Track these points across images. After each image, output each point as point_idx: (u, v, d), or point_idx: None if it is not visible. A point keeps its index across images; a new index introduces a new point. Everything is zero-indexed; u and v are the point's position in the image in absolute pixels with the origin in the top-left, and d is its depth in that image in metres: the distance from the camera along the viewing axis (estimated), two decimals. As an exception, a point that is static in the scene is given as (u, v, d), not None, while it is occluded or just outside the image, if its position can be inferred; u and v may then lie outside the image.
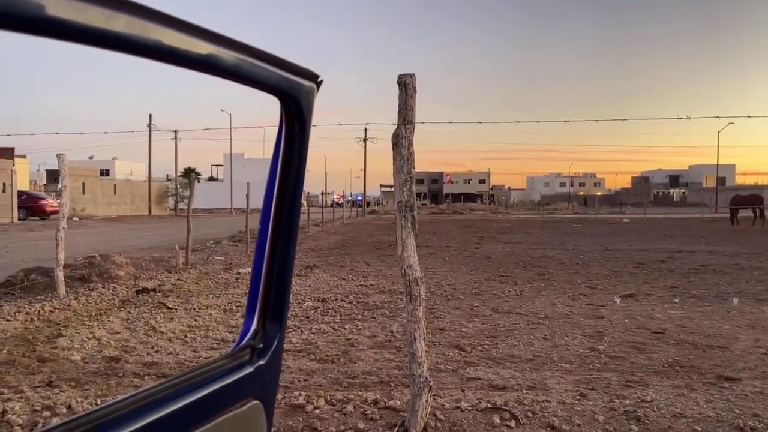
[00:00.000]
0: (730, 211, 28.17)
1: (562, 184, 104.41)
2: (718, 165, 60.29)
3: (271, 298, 1.08)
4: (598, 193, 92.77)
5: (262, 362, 1.03)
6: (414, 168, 3.21)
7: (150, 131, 47.89)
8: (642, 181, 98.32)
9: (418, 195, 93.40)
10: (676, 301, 7.44)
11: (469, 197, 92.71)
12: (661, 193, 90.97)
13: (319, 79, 1.02)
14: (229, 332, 5.91)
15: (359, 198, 61.22)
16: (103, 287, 8.12)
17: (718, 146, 59.65)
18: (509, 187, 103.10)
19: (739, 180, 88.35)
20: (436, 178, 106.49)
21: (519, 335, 5.78)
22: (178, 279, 9.29)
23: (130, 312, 6.74)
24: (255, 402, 1.02)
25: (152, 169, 48.72)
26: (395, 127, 3.22)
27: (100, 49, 0.62)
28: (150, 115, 47.97)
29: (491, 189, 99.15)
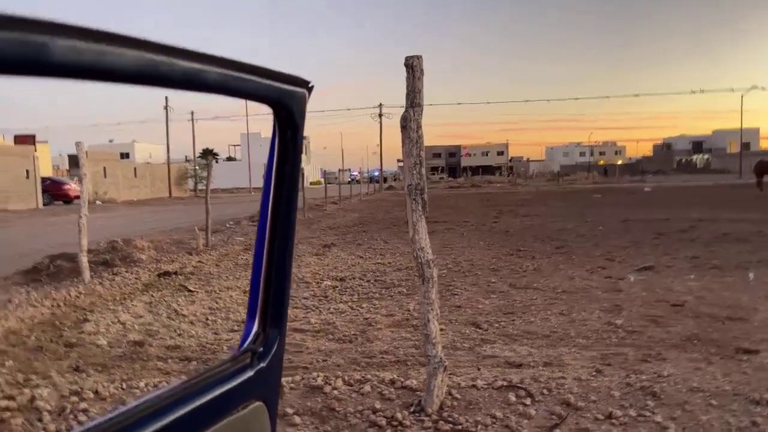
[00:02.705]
0: (756, 176, 27.58)
1: (582, 154, 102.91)
2: (741, 129, 58.86)
3: (270, 302, 1.10)
4: (619, 162, 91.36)
5: (263, 365, 1.06)
6: (423, 151, 3.20)
7: (167, 113, 48.21)
8: (664, 148, 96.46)
9: (436, 169, 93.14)
10: (692, 276, 7.36)
11: (488, 170, 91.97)
12: (683, 160, 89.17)
13: (309, 85, 1.03)
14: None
15: (377, 174, 61.15)
16: (126, 271, 8.30)
17: (741, 111, 58.15)
18: (528, 159, 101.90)
19: (765, 144, 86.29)
20: (454, 152, 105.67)
21: (536, 311, 5.79)
22: (199, 261, 9.44)
23: (152, 295, 6.89)
24: (258, 403, 1.05)
25: (171, 151, 49.17)
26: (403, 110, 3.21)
27: (81, 80, 0.64)
28: (166, 98, 48.23)
29: (510, 161, 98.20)
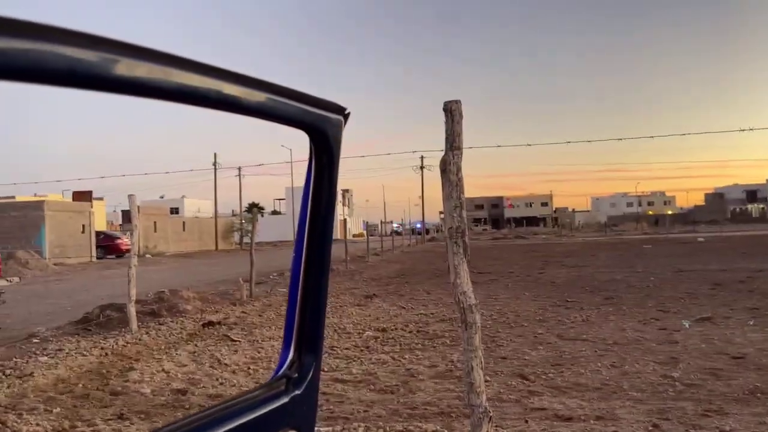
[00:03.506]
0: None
1: (629, 204, 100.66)
2: (800, 177, 56.48)
3: (306, 328, 1.09)
4: (669, 212, 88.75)
5: (298, 392, 1.04)
6: (463, 193, 3.19)
7: (215, 169, 49.99)
8: (716, 198, 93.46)
9: (479, 220, 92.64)
10: (751, 323, 6.97)
11: (532, 221, 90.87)
12: (738, 209, 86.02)
13: (346, 112, 1.05)
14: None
15: (419, 226, 61.18)
16: (172, 321, 8.43)
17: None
18: (573, 209, 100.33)
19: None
20: (497, 203, 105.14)
21: (586, 363, 5.55)
22: (242, 311, 9.53)
23: (196, 345, 6.95)
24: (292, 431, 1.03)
25: (218, 206, 50.68)
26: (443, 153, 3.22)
27: (127, 95, 0.67)
28: (215, 154, 50.17)
29: (554, 211, 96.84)
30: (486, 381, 4.83)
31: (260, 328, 8.09)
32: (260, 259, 17.86)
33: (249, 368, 5.83)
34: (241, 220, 51.45)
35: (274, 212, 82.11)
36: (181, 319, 8.69)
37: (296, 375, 1.06)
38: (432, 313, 9.03)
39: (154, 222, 39.78)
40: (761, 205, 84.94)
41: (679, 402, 4.24)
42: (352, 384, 5.09)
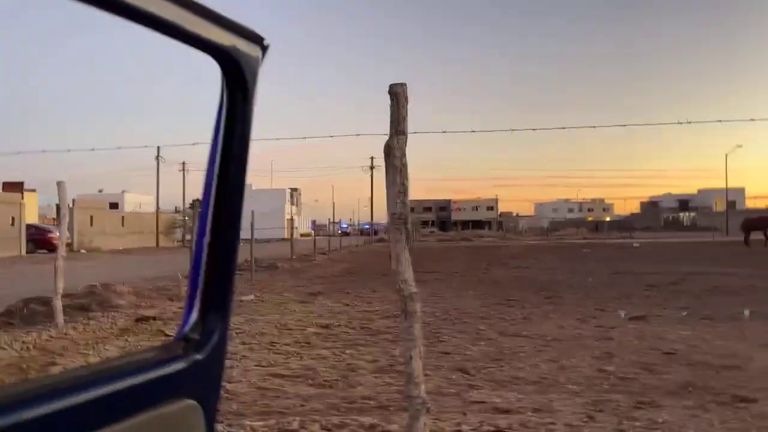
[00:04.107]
0: (743, 233, 27.84)
1: (571, 210, 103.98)
2: (727, 188, 59.86)
3: (213, 288, 0.97)
4: (607, 219, 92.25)
5: (199, 357, 0.92)
6: (407, 179, 3.12)
7: (158, 164, 48.40)
8: (651, 206, 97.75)
9: (426, 223, 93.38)
10: (684, 313, 7.24)
11: (478, 224, 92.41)
12: (670, 217, 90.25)
13: (265, 42, 0.93)
14: (229, 359, 5.76)
15: (368, 226, 61.12)
16: (103, 316, 8.02)
17: (726, 170, 59.35)
18: (517, 214, 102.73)
19: (750, 204, 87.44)
20: (444, 206, 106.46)
21: (525, 358, 5.60)
22: (179, 307, 9.17)
23: (127, 340, 6.62)
24: (190, 402, 0.90)
25: (163, 202, 49.06)
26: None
27: None
28: (158, 148, 48.54)
29: (499, 216, 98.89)
30: (427, 375, 4.78)
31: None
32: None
33: (183, 363, 5.58)
34: (184, 216, 49.96)
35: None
36: (112, 313, 8.27)
37: (198, 338, 0.94)
38: (377, 310, 8.95)
39: (91, 216, 38.06)
40: (692, 214, 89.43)
41: (613, 395, 4.31)
42: (290, 379, 4.94)
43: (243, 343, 6.53)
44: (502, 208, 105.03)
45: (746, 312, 7.39)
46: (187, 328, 0.96)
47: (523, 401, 4.16)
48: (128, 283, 11.37)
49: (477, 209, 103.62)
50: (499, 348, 6.09)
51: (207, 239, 0.95)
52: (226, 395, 4.23)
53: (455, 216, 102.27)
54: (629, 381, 4.69)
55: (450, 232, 72.31)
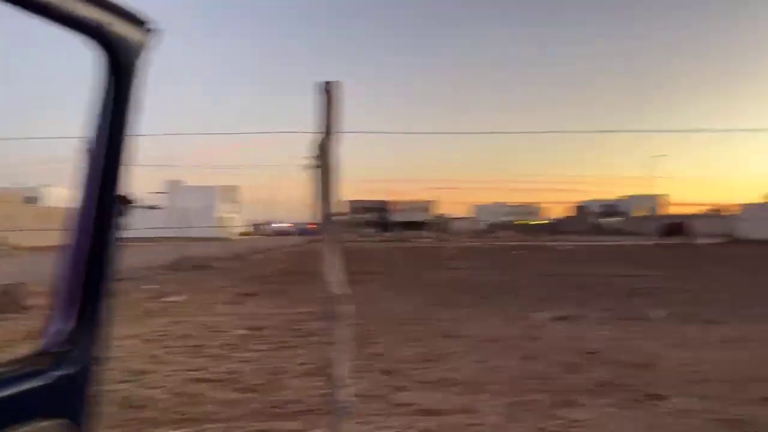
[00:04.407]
0: (661, 237, 29.50)
1: (506, 213, 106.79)
2: (650, 195, 63.16)
3: (86, 295, 0.88)
4: (540, 222, 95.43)
5: (68, 371, 0.83)
6: (339, 179, 3.06)
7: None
8: (580, 210, 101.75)
9: (366, 223, 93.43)
10: (603, 316, 7.55)
11: (417, 225, 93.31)
12: (598, 221, 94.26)
13: (152, 27, 0.86)
14: (148, 363, 5.51)
15: (309, 226, 60.49)
16: (13, 318, 7.51)
17: (650, 177, 62.62)
18: (455, 216, 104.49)
19: (671, 210, 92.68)
20: (384, 207, 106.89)
21: (455, 359, 5.66)
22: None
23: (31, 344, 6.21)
24: (61, 421, 0.82)
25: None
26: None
27: None
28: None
29: (438, 217, 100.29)
30: (356, 378, 4.75)
31: (117, 325, 7.43)
32: (132, 255, 16.66)
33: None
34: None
35: (151, 207, 77.33)
36: (23, 315, 7.76)
37: (68, 350, 0.85)
38: (310, 312, 8.82)
39: (5, 211, 35.73)
40: (617, 219, 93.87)
41: (536, 394, 4.42)
42: (213, 383, 4.77)
43: (165, 347, 6.27)
44: (442, 209, 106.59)
45: (659, 313, 7.80)
46: (53, 340, 0.87)
47: (450, 402, 4.19)
48: (44, 283, 10.72)
49: (416, 210, 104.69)
50: (430, 349, 6.13)
51: (81, 240, 0.87)
52: (141, 402, 4.04)
53: (395, 217, 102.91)
54: (552, 380, 4.83)
55: (389, 233, 72.64)
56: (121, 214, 0.91)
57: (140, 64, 0.84)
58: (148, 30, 0.85)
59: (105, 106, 0.84)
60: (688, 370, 5.12)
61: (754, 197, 56.38)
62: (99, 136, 0.85)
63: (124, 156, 0.88)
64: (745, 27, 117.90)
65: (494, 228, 76.75)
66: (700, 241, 33.61)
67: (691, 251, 26.39)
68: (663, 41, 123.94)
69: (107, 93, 0.84)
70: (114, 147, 0.86)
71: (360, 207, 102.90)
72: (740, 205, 49.27)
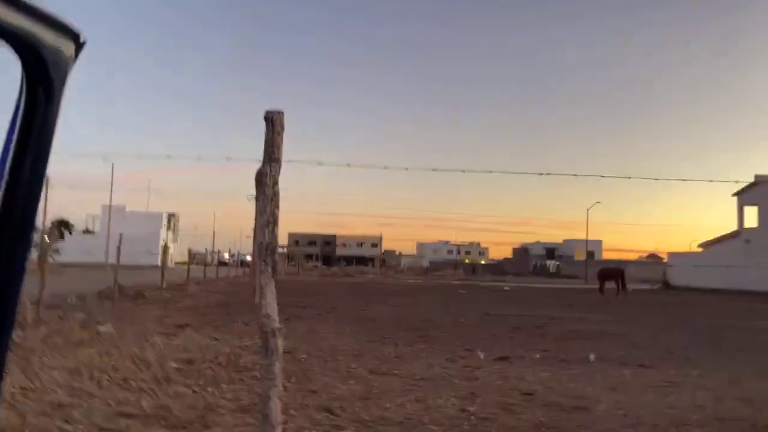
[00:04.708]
0: (599, 282, 30.52)
1: (450, 252, 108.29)
2: (587, 240, 65.63)
3: None
4: (482, 262, 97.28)
5: None
6: (278, 209, 3.02)
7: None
8: (522, 252, 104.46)
9: (310, 256, 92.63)
10: (538, 356, 7.70)
11: (361, 260, 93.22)
12: (538, 263, 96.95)
13: (81, 39, 0.81)
14: (70, 396, 5.17)
15: (248, 257, 59.31)
16: None
17: (587, 224, 65.44)
18: (400, 252, 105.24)
19: (606, 255, 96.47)
20: (329, 241, 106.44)
21: (393, 397, 5.58)
22: (22, 335, 8.18)
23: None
24: None
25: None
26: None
27: None
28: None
29: (383, 253, 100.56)
30: (290, 415, 4.60)
31: (41, 355, 6.97)
32: (63, 281, 15.83)
33: (14, 398, 4.91)
34: (42, 235, 45.44)
35: (86, 231, 74.11)
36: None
37: None
38: (246, 346, 8.55)
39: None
40: (557, 262, 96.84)
41: (473, 435, 4.40)
42: (140, 419, 4.51)
43: (91, 378, 5.92)
44: (385, 245, 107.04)
45: (592, 356, 8.01)
46: None
47: (386, 443, 4.11)
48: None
49: (361, 245, 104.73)
50: (368, 387, 6.03)
51: None
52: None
53: (340, 251, 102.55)
54: (489, 421, 4.82)
55: (334, 267, 72.18)
56: (30, 236, 0.84)
57: (65, 77, 0.80)
58: (79, 43, 0.81)
59: (24, 120, 0.79)
60: (622, 414, 5.23)
61: (690, 245, 59.53)
62: (17, 149, 0.79)
63: (42, 171, 0.82)
64: (677, 73, 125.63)
65: (439, 266, 77.51)
66: (634, 286, 35.00)
67: (626, 296, 27.38)
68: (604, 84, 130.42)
69: (28, 105, 0.79)
70: (31, 162, 0.80)
71: (304, 240, 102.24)
72: (668, 253, 51.80)
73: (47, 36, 0.76)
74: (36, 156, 0.80)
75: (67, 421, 4.34)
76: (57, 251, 13.30)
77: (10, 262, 0.81)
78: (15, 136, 0.79)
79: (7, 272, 0.81)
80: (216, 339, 9.15)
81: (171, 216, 71.02)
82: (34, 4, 0.73)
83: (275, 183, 2.99)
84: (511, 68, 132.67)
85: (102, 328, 9.60)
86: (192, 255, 31.07)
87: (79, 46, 0.81)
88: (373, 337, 10.13)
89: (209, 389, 5.64)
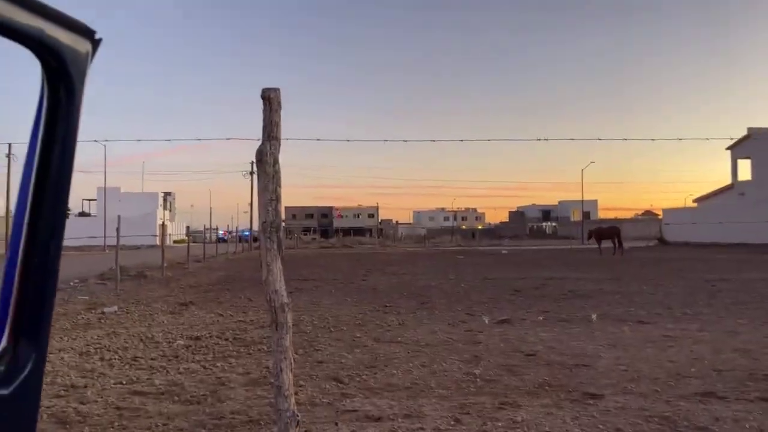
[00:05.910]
0: (596, 241, 30.78)
1: (446, 219, 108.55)
2: (582, 201, 65.80)
3: (25, 311, 0.85)
4: (479, 227, 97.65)
5: (4, 392, 0.80)
6: (280, 186, 3.05)
7: (9, 162, 43.50)
8: (518, 215, 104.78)
9: (308, 229, 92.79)
10: (541, 318, 7.83)
11: (359, 231, 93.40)
12: (535, 226, 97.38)
13: (96, 37, 0.83)
14: (84, 377, 5.27)
15: (247, 234, 59.37)
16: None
17: (582, 184, 65.45)
18: (397, 222, 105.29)
19: (602, 214, 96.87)
20: (326, 213, 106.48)
21: (398, 364, 5.70)
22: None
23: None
24: None
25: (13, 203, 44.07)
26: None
27: None
28: (9, 145, 43.66)
29: (380, 223, 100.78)
30: (300, 386, 4.72)
31: (50, 338, 7.07)
32: (63, 264, 15.79)
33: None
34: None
35: (82, 213, 73.91)
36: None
37: (5, 370, 0.82)
38: (251, 320, 8.68)
39: None
40: (553, 223, 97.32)
41: (479, 397, 4.52)
42: (153, 396, 4.62)
43: (102, 359, 6.02)
44: (382, 215, 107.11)
45: (594, 316, 8.15)
46: None
47: (395, 408, 4.22)
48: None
49: (358, 216, 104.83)
50: (374, 355, 6.15)
51: (21, 254, 0.83)
52: (77, 418, 3.86)
53: (337, 223, 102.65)
54: (494, 383, 4.95)
55: (332, 239, 72.35)
56: (62, 225, 0.88)
57: (84, 74, 0.82)
58: (95, 41, 0.83)
59: (48, 117, 0.82)
60: (622, 369, 5.37)
61: (684, 201, 59.81)
62: (43, 145, 0.82)
63: (69, 164, 0.85)
64: (669, 39, 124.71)
65: (436, 233, 77.79)
66: (630, 244, 35.31)
67: (623, 254, 27.64)
68: (593, 51, 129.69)
69: (51, 103, 0.81)
70: (58, 155, 0.83)
71: (301, 213, 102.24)
72: (663, 209, 52.06)
73: (65, 37, 0.78)
74: (62, 152, 0.83)
75: (82, 402, 4.43)
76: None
77: (45, 250, 0.85)
78: (40, 135, 0.82)
79: (45, 260, 0.85)
80: (221, 315, 9.27)
81: (167, 195, 70.79)
82: (49, 7, 0.75)
83: (276, 161, 3.01)
84: (505, 34, 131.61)
85: (107, 310, 9.70)
86: (190, 233, 31.07)
87: (95, 43, 0.84)
88: (376, 306, 10.26)
89: (219, 364, 5.75)
